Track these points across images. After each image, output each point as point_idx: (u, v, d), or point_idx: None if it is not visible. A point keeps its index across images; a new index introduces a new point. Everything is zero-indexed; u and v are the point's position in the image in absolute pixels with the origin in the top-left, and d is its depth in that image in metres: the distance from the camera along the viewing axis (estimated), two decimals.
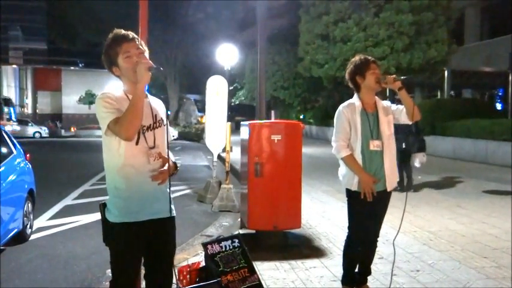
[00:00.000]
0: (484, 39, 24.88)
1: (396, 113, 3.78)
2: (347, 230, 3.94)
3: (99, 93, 2.66)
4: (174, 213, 2.81)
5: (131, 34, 2.68)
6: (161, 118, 2.77)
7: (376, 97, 3.82)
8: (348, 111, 3.71)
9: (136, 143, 2.60)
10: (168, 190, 2.77)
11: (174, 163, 2.81)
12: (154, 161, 2.65)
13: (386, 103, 3.86)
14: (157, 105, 2.82)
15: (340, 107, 3.79)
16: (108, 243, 2.71)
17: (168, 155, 2.74)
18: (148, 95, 2.77)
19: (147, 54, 2.72)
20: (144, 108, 2.60)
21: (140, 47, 2.68)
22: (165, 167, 2.68)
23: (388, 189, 3.75)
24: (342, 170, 3.83)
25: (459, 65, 21.47)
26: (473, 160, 15.22)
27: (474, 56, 23.21)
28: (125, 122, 2.48)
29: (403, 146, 8.85)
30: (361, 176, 3.62)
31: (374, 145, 3.68)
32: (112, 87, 2.73)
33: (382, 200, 3.74)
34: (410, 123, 3.77)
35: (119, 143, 2.57)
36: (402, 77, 3.65)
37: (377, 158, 3.70)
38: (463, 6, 23.43)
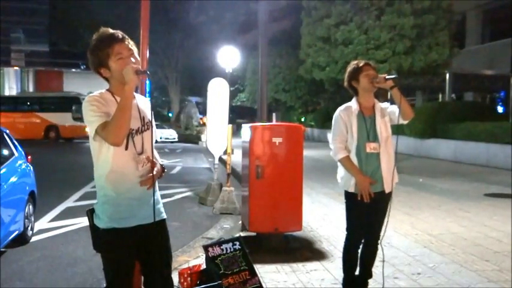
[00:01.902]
0: (486, 42, 24.87)
1: (391, 114, 3.80)
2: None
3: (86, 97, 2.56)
4: (164, 215, 2.75)
5: (120, 34, 2.56)
6: (148, 120, 2.67)
7: (375, 99, 3.84)
8: (345, 114, 3.77)
9: (126, 148, 2.52)
10: (156, 193, 2.70)
11: (162, 165, 2.75)
12: (142, 167, 2.58)
13: (385, 105, 3.88)
14: (144, 105, 2.71)
15: (338, 110, 3.86)
16: (98, 250, 2.66)
17: (156, 157, 2.69)
18: (136, 95, 2.65)
19: (136, 54, 2.61)
20: (132, 111, 2.51)
21: (131, 47, 2.58)
22: (154, 171, 2.61)
23: (386, 191, 3.75)
24: (340, 172, 3.87)
25: (460, 68, 21.45)
26: (475, 163, 15.20)
27: (475, 59, 23.20)
28: (113, 126, 2.39)
29: None
30: (358, 177, 3.65)
31: (370, 147, 3.71)
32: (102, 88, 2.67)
33: (380, 202, 3.75)
34: (405, 122, 3.78)
35: (108, 149, 2.50)
36: (393, 76, 3.66)
37: (374, 160, 3.71)
38: (464, 9, 23.45)
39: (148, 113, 2.70)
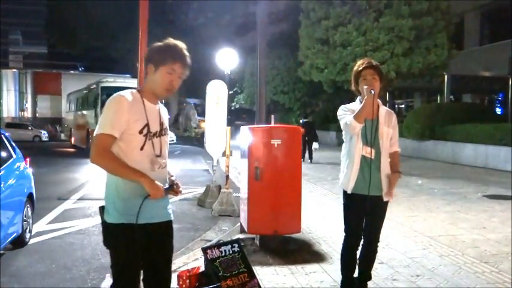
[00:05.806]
0: (484, 44, 24.92)
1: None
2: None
3: (116, 95, 2.61)
4: (171, 217, 2.80)
5: (189, 60, 2.73)
6: (166, 127, 2.79)
7: (379, 101, 3.76)
8: (348, 110, 3.74)
9: (141, 148, 2.59)
10: (166, 196, 2.74)
11: (173, 180, 2.79)
12: (158, 169, 2.65)
13: (391, 114, 3.83)
14: (164, 113, 2.81)
15: (341, 106, 3.84)
16: (107, 245, 2.67)
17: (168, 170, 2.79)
18: (158, 103, 2.79)
19: (182, 78, 2.74)
20: (153, 115, 2.66)
21: (184, 72, 2.73)
22: (180, 188, 2.71)
23: (384, 199, 3.73)
24: (342, 170, 3.84)
25: (459, 70, 21.49)
26: (473, 165, 15.22)
27: (474, 61, 23.23)
28: (106, 165, 2.52)
29: (306, 138, 15.82)
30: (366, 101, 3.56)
31: (366, 151, 3.65)
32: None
33: (377, 205, 3.73)
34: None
35: (119, 147, 2.56)
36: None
37: (366, 165, 3.65)
38: (462, 11, 23.47)
39: (166, 121, 2.81)
